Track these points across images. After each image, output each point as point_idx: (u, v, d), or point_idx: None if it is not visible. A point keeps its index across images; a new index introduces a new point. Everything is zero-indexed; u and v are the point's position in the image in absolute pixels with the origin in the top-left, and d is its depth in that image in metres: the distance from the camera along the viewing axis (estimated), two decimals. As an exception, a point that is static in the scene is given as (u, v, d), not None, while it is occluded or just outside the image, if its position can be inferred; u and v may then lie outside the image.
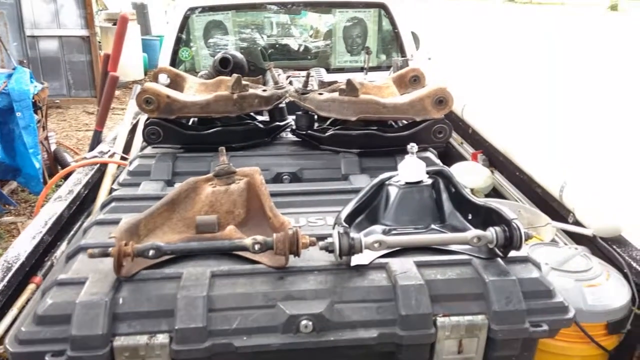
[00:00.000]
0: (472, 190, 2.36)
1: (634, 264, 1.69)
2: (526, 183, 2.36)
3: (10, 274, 1.68)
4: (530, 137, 2.39)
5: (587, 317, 1.50)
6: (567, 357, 1.56)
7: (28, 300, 1.70)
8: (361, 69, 3.78)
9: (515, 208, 2.08)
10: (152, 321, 1.11)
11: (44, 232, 1.93)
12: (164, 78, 2.22)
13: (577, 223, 1.92)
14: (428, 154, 1.95)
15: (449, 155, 3.09)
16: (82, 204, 2.35)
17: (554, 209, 2.11)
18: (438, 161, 1.94)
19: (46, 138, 5.04)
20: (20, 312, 1.64)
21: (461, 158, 3.05)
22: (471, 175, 2.52)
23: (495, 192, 2.62)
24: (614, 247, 1.77)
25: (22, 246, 1.83)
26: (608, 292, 1.55)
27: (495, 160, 2.73)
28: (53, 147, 5.22)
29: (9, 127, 4.44)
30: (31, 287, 1.78)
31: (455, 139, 3.22)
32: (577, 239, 1.94)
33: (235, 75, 1.97)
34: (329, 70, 3.64)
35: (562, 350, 1.55)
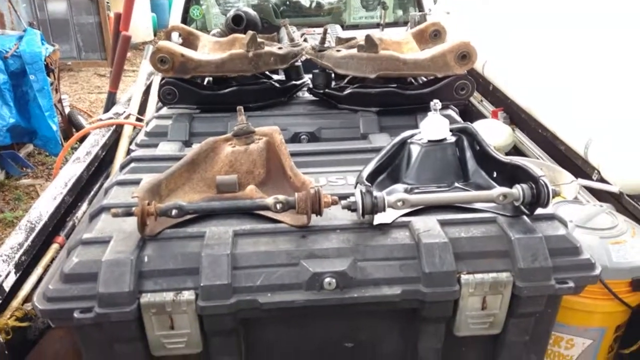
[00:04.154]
0: (492, 148, 2.32)
1: (661, 221, 1.66)
2: (549, 140, 2.31)
3: (34, 234, 1.71)
4: (553, 92, 2.31)
5: (611, 274, 1.48)
6: (590, 313, 1.56)
7: (52, 259, 1.74)
8: (377, 25, 3.68)
9: (537, 165, 2.05)
10: (177, 278, 1.12)
11: (65, 192, 1.95)
12: (176, 36, 2.17)
13: (601, 180, 1.88)
14: (449, 112, 1.90)
15: (468, 113, 3.03)
16: (100, 165, 2.36)
17: (577, 166, 2.06)
18: (459, 119, 1.89)
19: (59, 101, 5.04)
20: (45, 271, 1.68)
21: (481, 116, 2.98)
22: (492, 133, 2.47)
23: (516, 150, 2.58)
24: (640, 204, 1.74)
25: (44, 207, 1.86)
26: (633, 249, 1.53)
27: (517, 117, 2.67)
28: (67, 110, 5.24)
29: (22, 89, 4.43)
30: (54, 246, 1.81)
31: (475, 97, 3.14)
32: (601, 196, 1.91)
33: (250, 33, 1.92)
34: (343, 27, 3.55)
35: (585, 307, 1.55)
